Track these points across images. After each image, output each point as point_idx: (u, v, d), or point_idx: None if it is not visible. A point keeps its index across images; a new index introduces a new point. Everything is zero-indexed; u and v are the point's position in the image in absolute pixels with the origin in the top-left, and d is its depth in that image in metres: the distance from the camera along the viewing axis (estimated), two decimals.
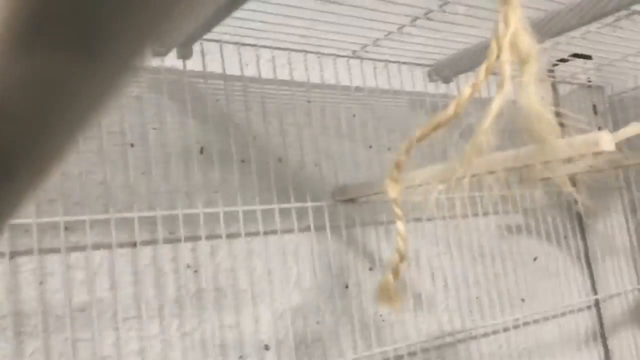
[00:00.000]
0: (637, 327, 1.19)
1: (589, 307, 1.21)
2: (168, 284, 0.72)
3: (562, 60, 1.14)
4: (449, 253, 1.00)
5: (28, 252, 0.64)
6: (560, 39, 0.92)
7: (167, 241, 0.72)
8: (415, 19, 0.78)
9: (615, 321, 1.19)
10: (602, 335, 1.21)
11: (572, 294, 1.17)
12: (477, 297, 1.02)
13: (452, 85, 1.00)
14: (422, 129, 0.48)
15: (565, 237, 1.18)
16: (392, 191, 0.50)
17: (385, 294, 0.52)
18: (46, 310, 0.64)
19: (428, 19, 0.78)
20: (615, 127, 1.22)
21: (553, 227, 1.15)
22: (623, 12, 0.81)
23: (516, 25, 0.40)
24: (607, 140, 0.50)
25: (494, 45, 0.41)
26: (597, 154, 0.51)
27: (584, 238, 1.22)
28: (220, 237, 0.74)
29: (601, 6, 0.75)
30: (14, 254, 0.63)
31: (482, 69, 0.43)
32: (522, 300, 1.08)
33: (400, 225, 0.50)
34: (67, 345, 0.64)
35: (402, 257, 0.50)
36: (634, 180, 1.23)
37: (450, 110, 0.48)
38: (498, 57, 0.42)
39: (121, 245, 0.69)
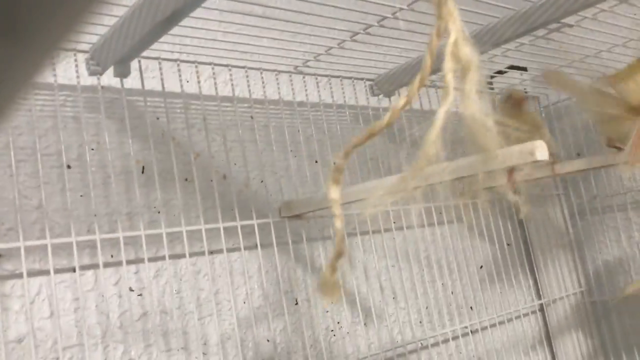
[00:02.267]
0: (580, 328, 1.23)
1: (534, 312, 1.24)
2: (111, 309, 0.70)
3: (499, 72, 1.18)
4: (397, 265, 1.00)
5: None
6: (496, 51, 0.94)
7: (109, 265, 0.70)
8: (355, 34, 0.79)
9: (560, 324, 1.22)
10: (547, 338, 1.24)
11: (518, 300, 1.19)
12: (426, 307, 1.03)
13: (395, 98, 1.02)
14: (358, 137, 0.48)
15: (509, 244, 1.21)
16: (333, 192, 0.51)
17: (324, 288, 0.53)
18: None
19: (368, 34, 0.79)
20: (552, 135, 1.26)
21: (497, 235, 1.17)
22: (554, 25, 0.84)
23: (457, 35, 0.41)
24: (541, 150, 0.52)
25: (427, 57, 0.42)
26: (534, 162, 0.53)
27: (527, 244, 1.25)
28: (163, 258, 0.73)
29: (533, 19, 0.78)
30: None
31: (416, 80, 0.43)
32: (471, 308, 1.10)
33: (338, 223, 0.51)
34: None
35: (340, 253, 0.52)
36: (571, 187, 1.27)
37: (385, 119, 0.49)
38: (431, 68, 0.43)
39: (60, 271, 0.66)
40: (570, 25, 0.86)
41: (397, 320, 0.98)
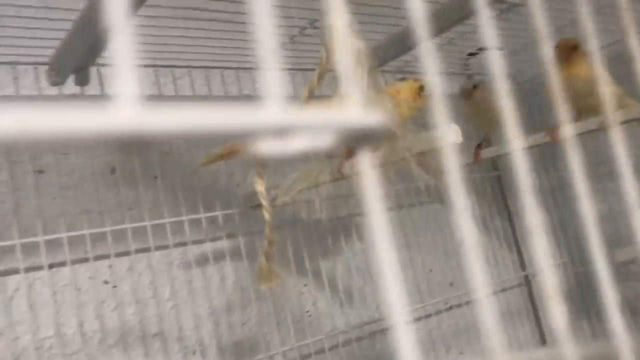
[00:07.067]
0: (565, 298, 1.25)
1: (519, 285, 1.26)
2: (86, 301, 0.75)
3: (471, 54, 1.20)
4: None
5: None
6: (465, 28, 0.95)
7: (82, 260, 0.76)
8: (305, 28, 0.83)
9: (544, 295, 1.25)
10: (534, 310, 1.26)
11: (501, 273, 1.22)
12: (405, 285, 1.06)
13: None
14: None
15: (492, 218, 1.24)
16: (259, 185, 0.57)
17: (262, 276, 0.60)
18: None
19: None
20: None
21: (480, 211, 1.20)
22: (503, 6, 0.87)
23: (343, 29, 0.45)
24: (454, 134, 0.55)
25: (323, 52, 0.46)
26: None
27: (509, 219, 1.28)
28: (130, 253, 0.78)
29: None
30: None
31: (315, 74, 0.47)
32: (450, 284, 1.13)
33: (266, 215, 0.57)
34: None
35: (271, 243, 0.58)
36: (555, 160, 1.29)
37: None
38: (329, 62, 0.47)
39: (32, 269, 0.72)
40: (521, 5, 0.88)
41: (375, 298, 1.02)
